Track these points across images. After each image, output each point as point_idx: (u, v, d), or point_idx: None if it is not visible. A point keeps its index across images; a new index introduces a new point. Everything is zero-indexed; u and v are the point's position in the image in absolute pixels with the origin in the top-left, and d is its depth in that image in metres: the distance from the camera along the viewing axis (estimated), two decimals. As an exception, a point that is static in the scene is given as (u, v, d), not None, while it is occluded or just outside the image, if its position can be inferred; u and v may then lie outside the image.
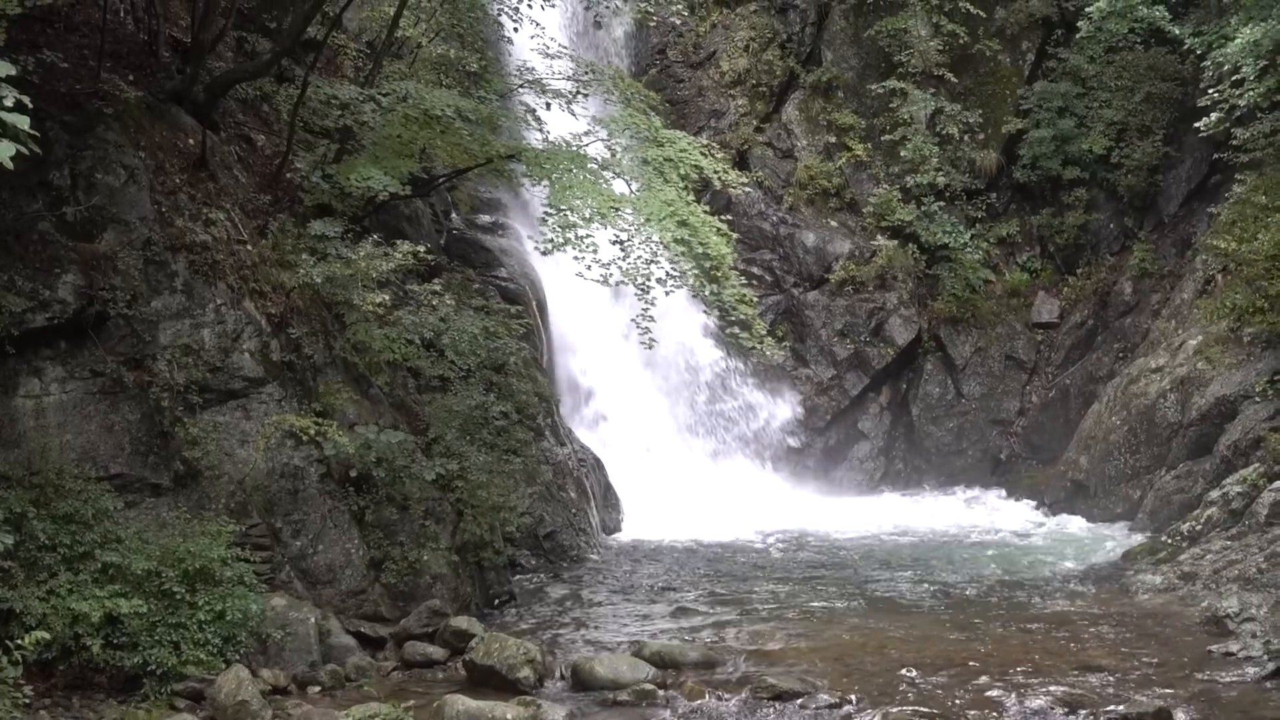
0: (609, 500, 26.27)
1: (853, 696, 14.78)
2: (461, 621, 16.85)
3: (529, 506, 22.04)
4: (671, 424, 29.75)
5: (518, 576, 21.56)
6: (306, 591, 16.77)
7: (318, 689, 15.38)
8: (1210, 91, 26.41)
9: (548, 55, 24.31)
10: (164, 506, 15.97)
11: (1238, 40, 25.61)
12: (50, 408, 15.58)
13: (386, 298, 18.82)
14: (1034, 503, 28.13)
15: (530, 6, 21.94)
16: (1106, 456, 26.31)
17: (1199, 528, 21.64)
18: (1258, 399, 23.42)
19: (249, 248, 18.12)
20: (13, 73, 8.97)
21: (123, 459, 15.92)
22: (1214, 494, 22.15)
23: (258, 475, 16.79)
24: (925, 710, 14.32)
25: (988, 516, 27.56)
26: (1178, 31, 28.91)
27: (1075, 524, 26.22)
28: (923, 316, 31.61)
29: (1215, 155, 28.15)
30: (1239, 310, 24.24)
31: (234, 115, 21.25)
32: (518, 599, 20.31)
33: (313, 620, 15.96)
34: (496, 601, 19.87)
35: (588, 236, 19.39)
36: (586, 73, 24.06)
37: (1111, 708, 14.22)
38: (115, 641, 14.13)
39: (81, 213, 16.31)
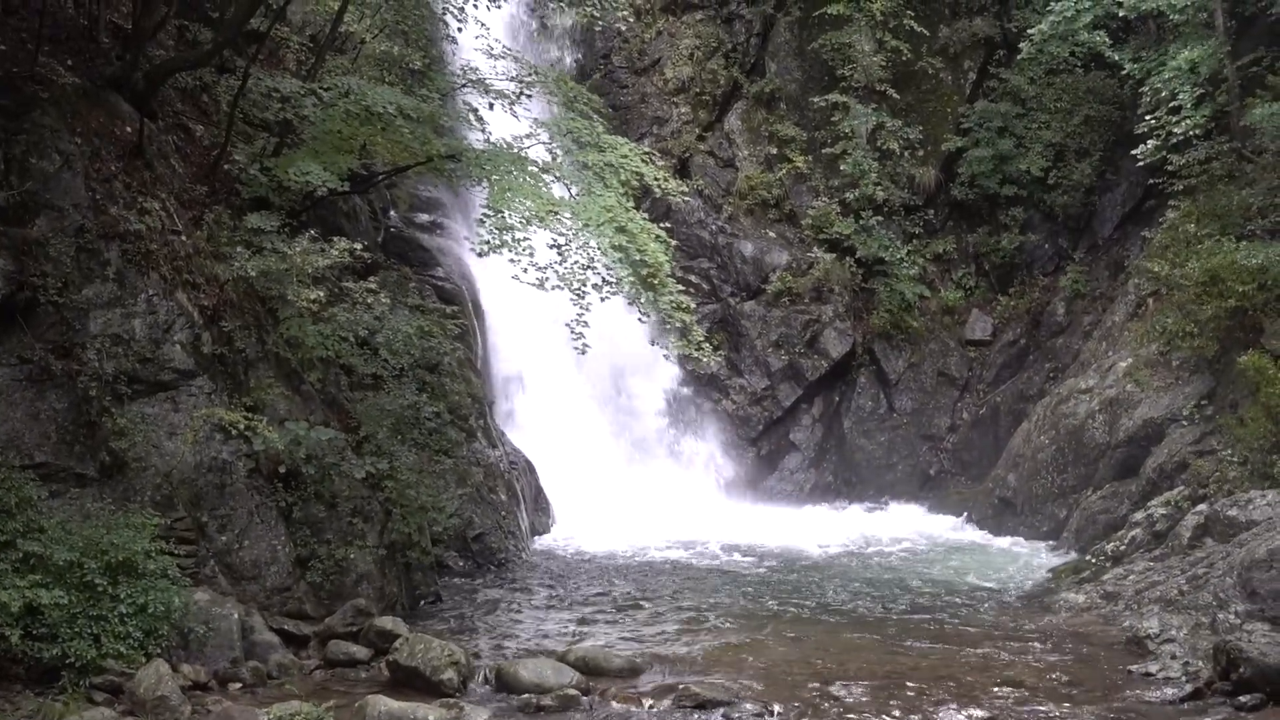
0: (539, 503, 26.23)
1: (776, 707, 14.80)
2: (386, 621, 16.75)
3: (458, 508, 21.94)
4: (604, 428, 29.72)
5: (445, 578, 21.47)
6: (231, 587, 16.61)
7: (239, 686, 15.24)
8: (1148, 118, 26.77)
9: (492, 55, 24.23)
10: (89, 497, 15.76)
11: (1173, 63, 25.94)
12: (-25, 394, 15.39)
13: (322, 294, 18.65)
14: (962, 519, 28.32)
15: (476, 6, 21.85)
16: (1034, 475, 26.54)
17: (1123, 548, 21.86)
18: (1184, 423, 23.71)
19: (184, 238, 17.93)
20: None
21: (48, 448, 15.71)
22: (1139, 515, 22.42)
23: (185, 468, 16.62)
24: (848, 722, 14.39)
25: (916, 531, 27.69)
26: (1117, 57, 29.20)
27: (1002, 541, 26.42)
28: (858, 330, 31.77)
29: (1150, 180, 28.48)
30: (1169, 334, 24.50)
31: (173, 104, 21.03)
32: (444, 600, 20.23)
33: (236, 616, 15.80)
34: (423, 602, 19.79)
35: (525, 239, 19.35)
36: (530, 74, 24.00)
37: (1032, 725, 14.34)
38: (34, 632, 13.91)
39: (14, 197, 16.09)
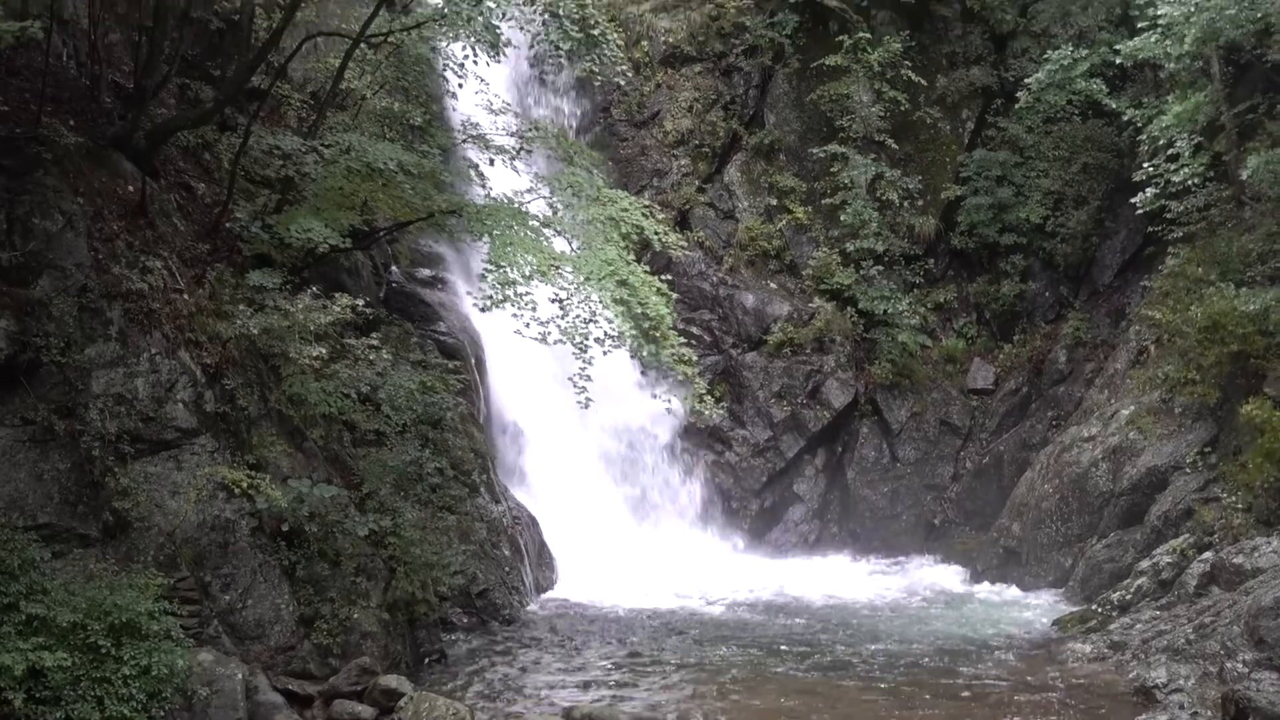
0: (543, 558, 26.14)
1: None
2: (391, 680, 16.69)
3: (462, 564, 21.87)
4: (607, 481, 29.66)
5: (450, 634, 21.39)
6: (234, 647, 16.54)
7: (243, 747, 15.17)
8: (1146, 166, 26.86)
9: (492, 111, 24.35)
10: (92, 558, 15.71)
11: (1170, 113, 26.05)
12: (-22, 455, 15.37)
13: (324, 350, 18.69)
14: (967, 569, 28.18)
15: (475, 63, 21.94)
16: (1039, 524, 26.44)
17: (1129, 597, 21.78)
18: (1188, 470, 23.67)
19: (186, 297, 17.97)
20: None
21: (51, 508, 15.69)
22: (1144, 564, 22.33)
23: (188, 528, 16.59)
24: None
25: (921, 582, 27.57)
26: (1115, 104, 29.31)
27: (1008, 591, 26.29)
28: (860, 380, 31.74)
29: (1150, 227, 28.52)
30: (1171, 381, 24.50)
31: (175, 162, 21.12)
32: (449, 658, 20.15)
33: (240, 677, 15.73)
34: (427, 660, 19.71)
35: (527, 294, 19.40)
36: (530, 129, 24.11)
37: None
38: (38, 695, 13.82)
39: (17, 258, 16.14)
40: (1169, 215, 26.76)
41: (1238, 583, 19.42)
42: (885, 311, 31.57)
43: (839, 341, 31.74)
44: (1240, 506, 21.52)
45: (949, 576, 28.10)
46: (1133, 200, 27.49)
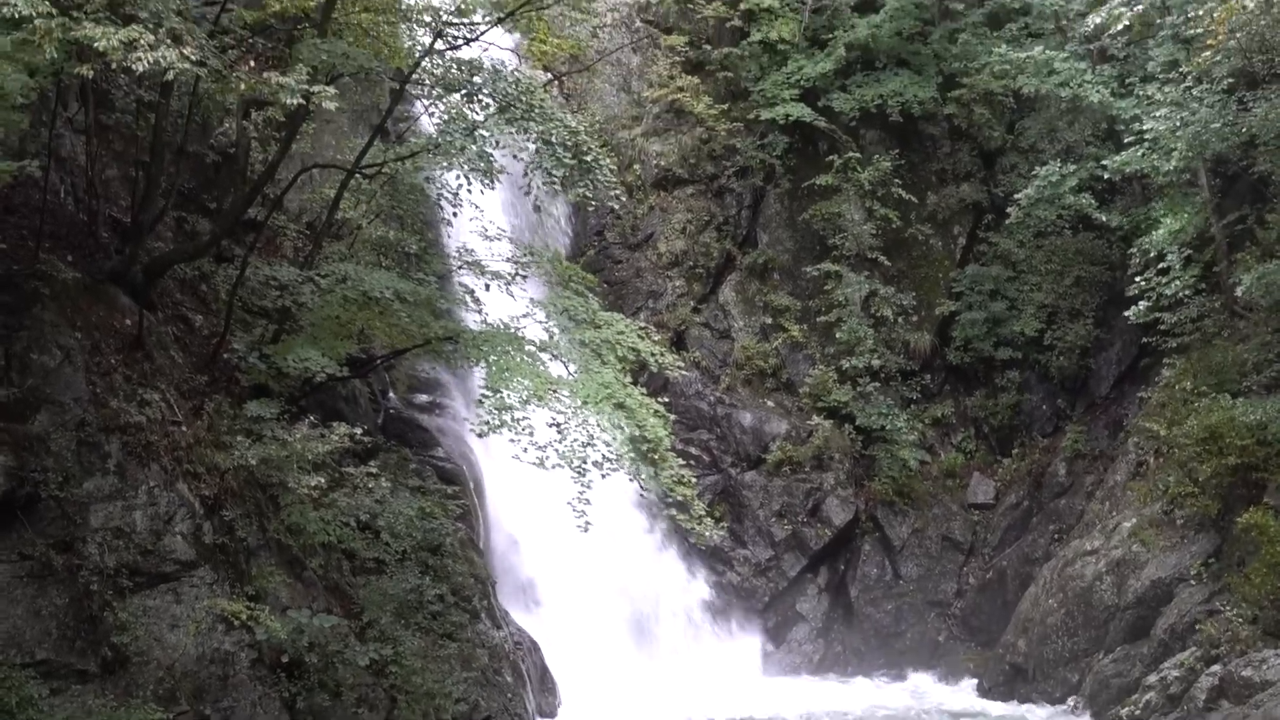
0: (545, 684, 25.88)
1: None
2: (393, 812, 16.47)
3: (464, 692, 21.59)
4: (607, 604, 29.43)
5: (451, 764, 21.10)
6: (234, 782, 16.35)
7: None
8: (1138, 280, 27.03)
9: (487, 237, 24.50)
10: (90, 694, 15.53)
11: (1161, 230, 26.28)
12: (-25, 592, 15.27)
13: (322, 480, 18.63)
14: (973, 686, 27.97)
15: (470, 191, 22.14)
16: (1044, 639, 26.26)
17: (1138, 713, 21.62)
18: (1192, 582, 23.59)
19: (184, 429, 17.97)
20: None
21: (49, 644, 15.53)
22: (1152, 678, 22.18)
23: (187, 661, 16.44)
24: None
25: (928, 702, 27.36)
26: (1105, 218, 29.58)
27: (1015, 709, 26.10)
28: (860, 497, 31.67)
29: (1144, 339, 28.66)
30: (1171, 493, 24.49)
31: (172, 295, 21.22)
32: (451, 788, 19.87)
33: (240, 812, 15.55)
34: (429, 790, 19.44)
35: (524, 418, 19.40)
36: (525, 255, 24.26)
37: None
38: (36, 835, 13.69)
39: (15, 394, 16.16)
40: (1163, 327, 26.93)
41: (1247, 696, 19.28)
42: (883, 428, 31.61)
43: (838, 459, 31.73)
44: (1246, 618, 21.42)
45: (956, 694, 27.88)
46: (1126, 313, 27.65)
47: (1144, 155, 26.29)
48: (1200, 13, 24.67)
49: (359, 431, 19.67)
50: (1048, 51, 29.54)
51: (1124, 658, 24.02)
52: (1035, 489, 31.29)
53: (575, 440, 19.71)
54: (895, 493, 31.34)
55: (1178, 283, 26.09)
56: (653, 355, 21.94)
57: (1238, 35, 24.24)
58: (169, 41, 13.92)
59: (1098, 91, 28.55)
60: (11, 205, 18.33)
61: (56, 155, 19.01)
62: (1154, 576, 24.36)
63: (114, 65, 13.90)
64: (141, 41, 13.55)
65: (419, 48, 21.45)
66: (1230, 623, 21.65)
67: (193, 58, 14.09)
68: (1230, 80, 25.70)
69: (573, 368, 20.84)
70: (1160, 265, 26.71)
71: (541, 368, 20.47)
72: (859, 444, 32.00)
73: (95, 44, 13.38)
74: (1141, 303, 26.94)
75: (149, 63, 13.56)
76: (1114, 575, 25.17)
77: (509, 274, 23.41)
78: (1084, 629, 25.51)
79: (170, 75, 14.25)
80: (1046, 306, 31.68)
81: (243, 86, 16.07)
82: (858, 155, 32.91)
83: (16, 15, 12.83)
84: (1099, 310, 31.10)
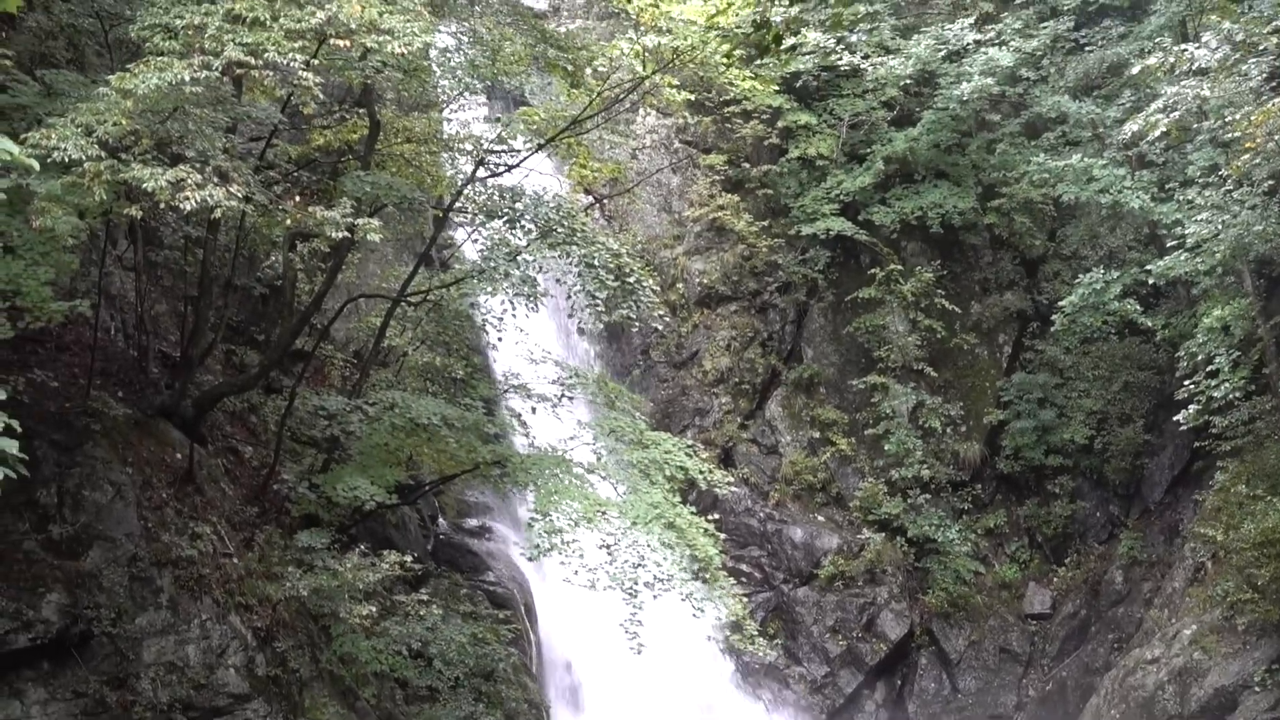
0: (601, 808, 25.62)
1: None
2: None
3: (520, 818, 21.48)
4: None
5: None
6: None
7: None
8: (1186, 383, 26.82)
9: (532, 360, 24.62)
10: (145, 832, 15.53)
11: (1205, 322, 26.09)
12: (30, 731, 15.29)
13: (374, 608, 18.64)
14: (1037, 802, 27.50)
15: (515, 315, 22.31)
16: (1109, 751, 25.84)
17: (1206, 823, 21.19)
18: (1257, 689, 23.21)
19: (235, 560, 18.04)
20: (2, 397, 9.08)
21: (103, 782, 15.55)
22: (1220, 789, 21.76)
23: (242, 796, 16.40)
24: None
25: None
26: (1150, 322, 29.48)
27: (1082, 825, 25.61)
28: (914, 610, 31.37)
29: (1196, 442, 28.40)
30: (1231, 599, 24.14)
31: (222, 427, 21.40)
32: None
33: None
34: None
35: (574, 541, 19.38)
36: (571, 376, 24.34)
37: None
38: None
39: (68, 531, 16.28)
40: (1214, 430, 26.69)
41: (1316, 804, 18.89)
42: (936, 539, 31.40)
43: (891, 572, 31.48)
44: (1313, 725, 21.06)
45: (1020, 812, 27.40)
46: (1176, 417, 27.43)
47: (1187, 259, 26.25)
48: (1238, 116, 24.70)
49: (409, 559, 19.69)
50: (1086, 159, 29.60)
51: (1191, 769, 23.65)
52: (1092, 597, 30.91)
53: (625, 561, 19.68)
54: (950, 605, 31.04)
55: (1227, 385, 25.89)
56: (701, 473, 21.92)
57: (1276, 138, 24.25)
58: (216, 179, 14.18)
59: (1138, 197, 28.55)
60: (63, 344, 18.58)
61: (106, 293, 19.30)
62: (1217, 684, 23.97)
63: (162, 204, 14.13)
64: (189, 181, 13.80)
65: (461, 176, 21.78)
66: (1298, 730, 21.33)
67: (239, 194, 14.35)
68: (1271, 182, 25.67)
69: (621, 488, 20.85)
70: (1209, 368, 26.54)
71: (590, 489, 20.49)
72: (911, 556, 31.77)
73: (143, 185, 13.64)
74: (1191, 406, 26.73)
75: (196, 201, 13.81)
76: (1176, 684, 24.77)
77: (555, 396, 23.49)
78: (1148, 740, 25.11)
79: (218, 213, 14.49)
80: (1096, 413, 31.49)
81: (289, 221, 16.32)
82: (900, 267, 33.01)
83: (67, 159, 13.09)
84: (1149, 415, 30.89)
